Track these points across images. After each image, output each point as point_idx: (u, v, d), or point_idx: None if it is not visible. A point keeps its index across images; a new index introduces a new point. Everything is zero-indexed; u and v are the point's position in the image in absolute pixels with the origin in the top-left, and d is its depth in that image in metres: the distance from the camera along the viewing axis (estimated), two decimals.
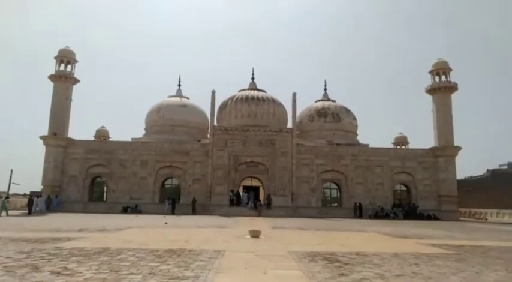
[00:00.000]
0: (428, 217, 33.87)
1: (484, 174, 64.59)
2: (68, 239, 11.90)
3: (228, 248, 10.28)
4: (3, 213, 25.03)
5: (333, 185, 37.11)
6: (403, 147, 44.79)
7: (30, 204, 27.89)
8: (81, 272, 6.61)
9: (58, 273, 6.47)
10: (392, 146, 44.63)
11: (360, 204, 34.00)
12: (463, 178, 56.29)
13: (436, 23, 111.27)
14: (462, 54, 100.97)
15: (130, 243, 11.20)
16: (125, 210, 33.33)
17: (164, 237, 13.23)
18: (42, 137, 35.16)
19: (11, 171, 52.44)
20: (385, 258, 9.12)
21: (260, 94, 40.40)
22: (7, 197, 28.93)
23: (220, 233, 15.20)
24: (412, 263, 8.61)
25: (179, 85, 43.14)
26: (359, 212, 33.45)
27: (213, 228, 17.36)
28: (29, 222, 20.01)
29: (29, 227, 16.75)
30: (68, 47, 37.78)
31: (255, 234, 13.45)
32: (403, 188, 37.61)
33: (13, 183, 53.13)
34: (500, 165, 67.77)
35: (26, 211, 29.57)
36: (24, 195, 51.10)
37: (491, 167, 65.11)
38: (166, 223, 20.08)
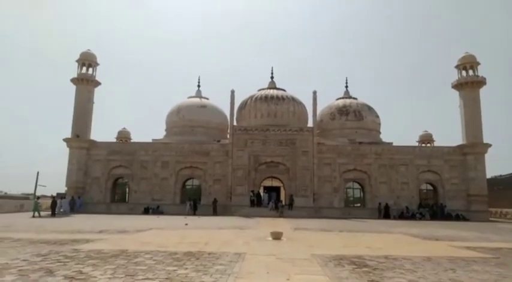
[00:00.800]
0: (457, 217, 32.55)
1: (509, 174, 61.88)
2: (87, 241, 11.77)
3: (248, 251, 9.87)
4: (36, 213, 26.07)
5: (356, 185, 36.15)
6: (428, 145, 43.30)
7: (53, 205, 28.31)
8: (95, 277, 6.33)
9: (72, 278, 6.21)
10: (417, 144, 43.26)
11: (386, 204, 33.05)
12: (490, 177, 54.04)
13: (462, 17, 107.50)
14: (489, 48, 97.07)
15: (149, 245, 10.94)
16: (146, 211, 33.47)
17: (184, 239, 12.95)
18: (65, 140, 35.74)
19: (37, 173, 53.90)
20: (417, 263, 8.49)
21: (280, 93, 39.85)
22: (38, 198, 29.63)
23: (241, 234, 14.81)
24: (447, 268, 7.96)
25: (198, 86, 43.12)
26: (384, 213, 32.47)
27: (234, 230, 17.00)
28: (52, 223, 20.19)
29: (50, 228, 16.83)
30: (89, 50, 38.29)
31: (276, 236, 13.00)
32: (429, 187, 36.27)
33: (39, 185, 54.66)
34: None
35: (50, 212, 30.27)
36: (51, 196, 52.37)
37: None
38: (186, 224, 19.86)
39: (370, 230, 18.39)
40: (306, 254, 9.71)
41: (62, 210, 32.20)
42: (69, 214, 29.67)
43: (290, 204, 32.28)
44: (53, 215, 27.43)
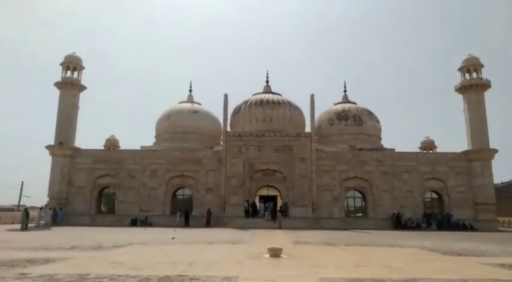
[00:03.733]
0: (464, 227, 30.74)
1: (509, 182, 60.27)
2: (46, 261, 9.68)
3: (241, 274, 7.85)
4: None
5: (357, 194, 34.21)
6: (431, 151, 41.63)
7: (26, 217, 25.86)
8: None
9: None
10: (418, 151, 41.55)
11: (398, 213, 31.52)
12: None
13: (463, 20, 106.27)
14: (492, 50, 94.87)
15: (119, 267, 8.87)
16: (134, 223, 31.32)
17: (165, 257, 10.88)
18: (47, 147, 33.61)
19: (22, 183, 51.40)
20: None
21: (275, 97, 38.07)
22: (26, 209, 27.53)
23: (234, 250, 12.75)
24: None
25: (190, 90, 41.25)
26: (396, 223, 31.04)
27: (226, 245, 14.93)
28: (21, 237, 18.01)
29: (16, 244, 14.68)
30: (74, 53, 36.44)
31: (275, 253, 10.97)
32: (434, 195, 34.43)
33: (24, 195, 52.10)
34: None
35: (34, 224, 28.13)
36: (40, 208, 49.87)
37: None
38: (173, 238, 17.77)
39: (379, 244, 16.39)
40: (312, 277, 7.74)
41: (42, 222, 30.04)
42: (49, 227, 27.42)
43: (284, 213, 30.24)
44: (26, 228, 24.86)
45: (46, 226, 28.06)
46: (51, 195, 32.98)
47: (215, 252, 12.15)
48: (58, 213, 30.87)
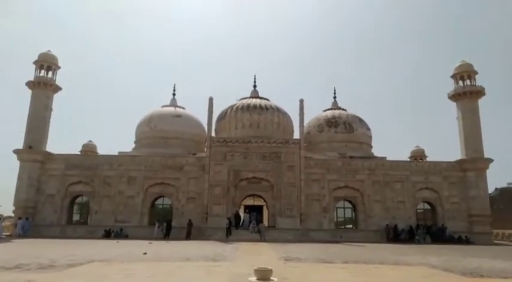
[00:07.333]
0: (459, 240, 29.23)
1: (492, 193, 59.73)
2: None
3: None
4: None
5: (347, 204, 32.43)
6: (421, 161, 40.30)
7: None
8: None
9: None
10: (409, 160, 40.18)
11: (395, 225, 29.88)
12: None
13: (455, 26, 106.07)
14: (486, 57, 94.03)
15: None
16: (107, 235, 28.81)
17: (125, 281, 8.71)
18: (15, 151, 30.94)
19: None
20: None
21: (263, 102, 36.24)
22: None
23: (213, 271, 10.63)
24: None
25: (174, 94, 39.14)
26: (393, 235, 29.42)
27: (205, 262, 12.78)
28: None
29: None
30: (49, 51, 34.03)
31: (263, 276, 8.93)
32: (427, 206, 32.91)
33: None
34: (508, 184, 62.85)
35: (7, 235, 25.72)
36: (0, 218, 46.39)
37: (499, 185, 60.15)
38: (145, 254, 15.52)
39: (380, 260, 14.46)
40: None
41: (6, 233, 27.52)
42: (12, 239, 24.73)
43: (259, 230, 27.88)
44: None
45: (5, 239, 25.36)
46: (17, 203, 30.23)
47: (190, 275, 10.01)
48: (22, 224, 28.12)
